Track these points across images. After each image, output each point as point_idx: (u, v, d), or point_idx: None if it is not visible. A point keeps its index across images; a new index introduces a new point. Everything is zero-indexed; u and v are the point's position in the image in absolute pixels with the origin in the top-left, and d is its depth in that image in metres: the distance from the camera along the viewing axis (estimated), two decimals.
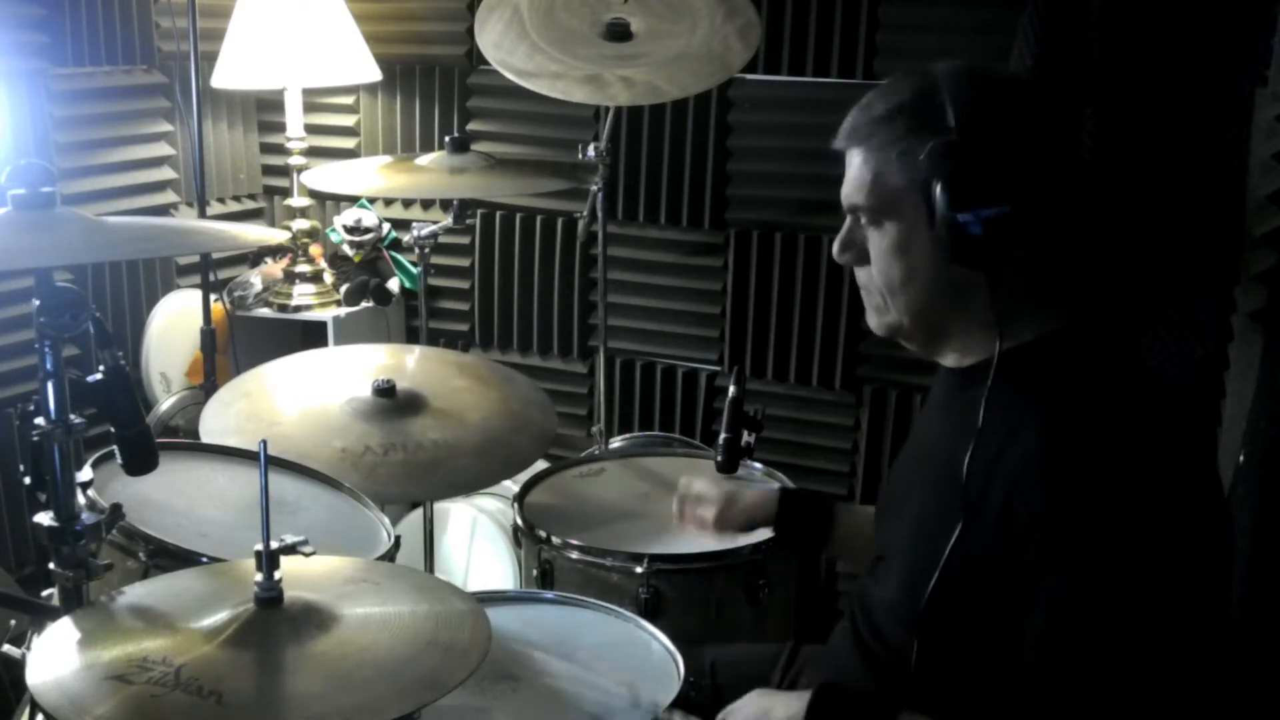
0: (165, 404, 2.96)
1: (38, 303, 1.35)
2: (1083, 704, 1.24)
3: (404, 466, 2.04)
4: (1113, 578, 1.24)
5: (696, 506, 1.93)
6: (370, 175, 2.59)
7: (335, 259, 3.19)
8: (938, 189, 1.31)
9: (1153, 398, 1.39)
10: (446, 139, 2.55)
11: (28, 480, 1.42)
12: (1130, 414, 1.32)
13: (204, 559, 1.60)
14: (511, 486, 2.23)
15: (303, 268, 3.11)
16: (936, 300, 1.41)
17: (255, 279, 3.10)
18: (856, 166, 1.42)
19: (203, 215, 2.92)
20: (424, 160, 2.54)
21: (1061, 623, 1.26)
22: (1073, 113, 2.19)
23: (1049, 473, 1.27)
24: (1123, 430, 1.29)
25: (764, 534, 1.92)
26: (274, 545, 1.29)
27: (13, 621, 1.70)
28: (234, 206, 3.36)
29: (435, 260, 2.89)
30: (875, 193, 1.40)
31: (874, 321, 1.49)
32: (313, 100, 3.19)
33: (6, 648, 1.62)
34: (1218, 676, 1.41)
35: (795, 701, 1.43)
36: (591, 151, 2.54)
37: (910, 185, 1.36)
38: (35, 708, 1.44)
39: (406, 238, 2.76)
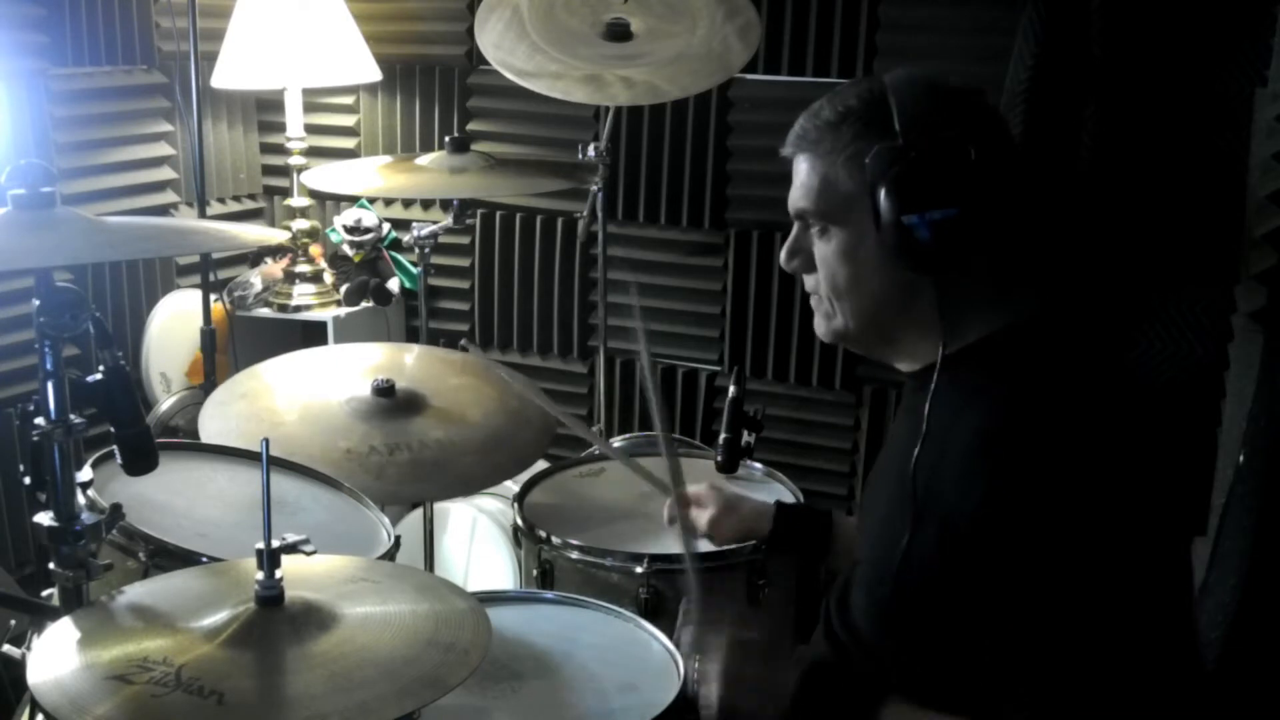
0: (165, 404, 2.96)
1: (38, 303, 1.35)
2: (1041, 698, 1.25)
3: (411, 466, 2.03)
4: (1054, 567, 1.24)
5: (693, 508, 1.92)
6: (370, 175, 2.59)
7: (335, 259, 3.19)
8: (883, 192, 1.33)
9: (1104, 390, 1.39)
10: (446, 139, 2.54)
11: (28, 480, 1.42)
12: (1068, 405, 1.32)
13: (204, 559, 1.60)
14: (511, 486, 2.22)
15: (303, 268, 3.11)
16: (883, 305, 1.43)
17: (255, 279, 3.10)
18: (804, 172, 1.44)
19: (203, 215, 2.92)
20: (424, 160, 2.53)
21: (1012, 616, 1.26)
22: (1072, 113, 2.19)
23: (983, 467, 1.28)
24: (1057, 421, 1.30)
25: None
26: (275, 544, 1.29)
27: (13, 621, 1.70)
28: (234, 206, 3.36)
29: (435, 260, 2.88)
30: (823, 198, 1.42)
31: (822, 328, 1.50)
32: (313, 100, 3.19)
33: (6, 648, 1.62)
34: (1201, 674, 1.41)
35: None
36: (591, 151, 2.54)
37: (857, 190, 1.37)
38: (35, 708, 1.44)
39: (406, 238, 2.76)
